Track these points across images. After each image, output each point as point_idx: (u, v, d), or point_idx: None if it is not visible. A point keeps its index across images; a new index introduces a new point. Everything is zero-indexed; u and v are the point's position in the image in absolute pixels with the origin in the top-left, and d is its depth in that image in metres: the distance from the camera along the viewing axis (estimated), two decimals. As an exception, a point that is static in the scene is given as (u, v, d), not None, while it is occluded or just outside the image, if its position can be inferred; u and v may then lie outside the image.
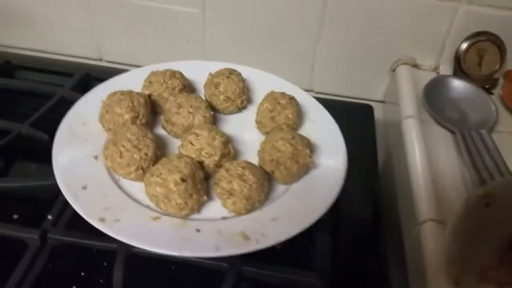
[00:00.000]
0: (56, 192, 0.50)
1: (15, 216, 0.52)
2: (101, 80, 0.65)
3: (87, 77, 0.71)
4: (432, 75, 0.71)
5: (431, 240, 0.49)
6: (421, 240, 0.49)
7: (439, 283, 0.44)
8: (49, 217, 0.51)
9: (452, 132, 0.62)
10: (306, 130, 0.59)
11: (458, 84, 0.68)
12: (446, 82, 0.68)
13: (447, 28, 0.68)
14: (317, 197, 0.51)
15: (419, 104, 0.65)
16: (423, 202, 0.53)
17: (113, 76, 0.64)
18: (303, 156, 0.52)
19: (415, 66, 0.73)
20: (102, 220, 0.46)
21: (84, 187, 0.50)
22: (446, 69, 0.72)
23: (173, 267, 0.49)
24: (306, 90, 0.65)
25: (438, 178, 0.55)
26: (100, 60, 0.80)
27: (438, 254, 0.47)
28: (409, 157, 0.58)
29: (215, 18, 0.72)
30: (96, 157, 0.54)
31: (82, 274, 0.48)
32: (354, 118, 0.70)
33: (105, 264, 0.48)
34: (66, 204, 0.49)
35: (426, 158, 0.57)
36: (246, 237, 0.46)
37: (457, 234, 0.40)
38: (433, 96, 0.66)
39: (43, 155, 0.53)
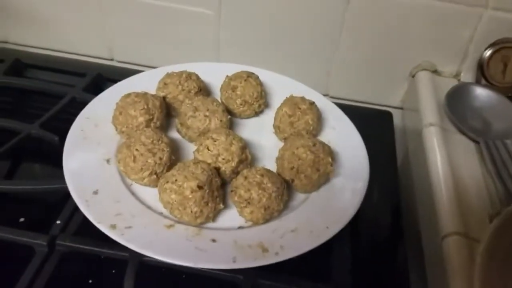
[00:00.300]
0: (65, 196, 0.49)
1: (22, 220, 0.51)
2: (113, 81, 0.64)
3: (99, 78, 0.69)
4: (453, 82, 0.69)
5: (455, 255, 0.47)
6: (444, 254, 0.48)
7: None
8: (58, 222, 0.49)
9: (475, 142, 0.60)
10: (326, 136, 0.57)
11: (481, 92, 0.65)
12: (469, 89, 0.66)
13: (471, 34, 0.66)
14: (338, 208, 0.49)
15: (440, 112, 0.63)
16: (446, 214, 0.51)
17: (125, 77, 0.63)
18: (324, 165, 0.50)
19: (435, 72, 0.71)
20: (113, 227, 0.45)
21: (95, 192, 0.48)
22: (468, 76, 0.70)
23: (184, 276, 0.47)
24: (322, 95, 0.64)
25: (461, 189, 0.54)
26: (112, 60, 0.79)
27: (462, 268, 0.45)
28: (430, 166, 0.56)
29: (230, 19, 0.71)
30: (108, 161, 0.52)
31: (90, 282, 0.46)
32: (372, 124, 0.68)
33: (114, 272, 0.47)
34: (76, 208, 0.48)
35: (449, 168, 0.55)
36: (265, 249, 0.44)
37: (491, 253, 0.38)
38: (455, 104, 0.64)
39: (53, 157, 0.52)
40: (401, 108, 0.76)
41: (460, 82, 0.69)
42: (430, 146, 0.59)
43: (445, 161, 0.56)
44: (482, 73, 0.67)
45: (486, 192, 0.54)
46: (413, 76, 0.72)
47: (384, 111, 0.72)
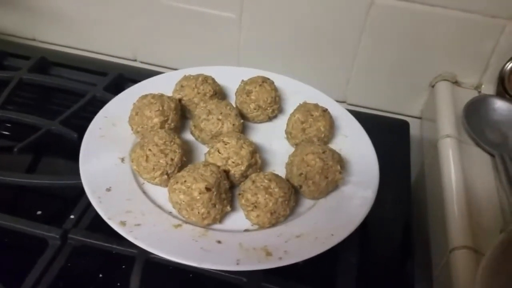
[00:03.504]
0: (80, 192, 0.50)
1: (39, 213, 0.53)
2: (134, 81, 0.65)
3: (121, 78, 0.71)
4: (474, 93, 0.68)
5: (462, 269, 0.46)
6: (451, 268, 0.47)
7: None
8: (72, 216, 0.51)
9: (491, 155, 0.59)
10: (338, 144, 0.57)
11: (501, 105, 0.64)
12: (488, 102, 0.65)
13: (493, 46, 0.65)
14: (344, 216, 0.49)
15: (458, 123, 0.63)
16: (457, 227, 0.50)
17: (146, 78, 0.64)
18: (333, 172, 0.50)
19: (456, 83, 0.70)
20: (122, 223, 0.46)
21: (108, 189, 0.49)
22: (488, 88, 0.68)
23: (190, 275, 0.48)
24: (338, 101, 0.64)
25: (474, 203, 0.53)
26: (135, 60, 0.81)
27: (470, 284, 0.44)
28: (444, 178, 0.56)
29: (251, 23, 0.71)
30: (122, 159, 0.54)
31: (100, 276, 0.48)
32: (388, 134, 0.67)
33: (124, 267, 0.48)
34: (90, 204, 0.49)
35: (462, 180, 0.54)
36: (268, 253, 0.44)
37: (494, 269, 0.37)
38: (474, 116, 0.63)
39: (71, 154, 0.53)
40: (420, 118, 0.75)
41: (480, 94, 0.68)
42: (445, 157, 0.58)
43: (459, 173, 0.55)
44: (503, 86, 0.66)
45: (499, 206, 0.53)
46: (433, 86, 0.71)
47: (401, 120, 0.72)
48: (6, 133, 0.65)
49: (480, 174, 0.57)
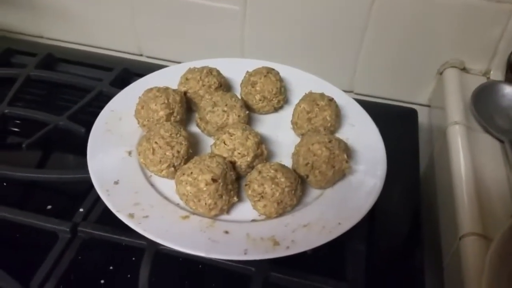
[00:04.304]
0: (89, 186, 0.50)
1: (49, 207, 0.53)
2: (139, 75, 0.65)
3: (126, 72, 0.71)
4: (482, 80, 0.68)
5: (472, 256, 0.46)
6: (461, 255, 0.47)
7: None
8: (81, 210, 0.51)
9: (501, 141, 0.59)
10: (344, 133, 0.57)
11: (510, 91, 0.63)
12: (497, 88, 0.64)
13: (501, 32, 0.64)
14: (352, 205, 0.49)
15: (466, 110, 0.62)
16: (466, 214, 0.50)
17: (151, 72, 0.64)
18: (340, 161, 0.50)
19: (464, 70, 0.69)
20: (131, 216, 0.46)
21: (116, 182, 0.50)
22: (497, 74, 0.68)
23: (199, 266, 0.48)
24: (346, 91, 0.63)
25: (484, 189, 0.52)
26: (141, 55, 0.81)
27: (479, 271, 0.44)
28: (453, 165, 0.55)
29: (255, 15, 0.71)
30: (129, 153, 0.54)
31: (111, 268, 0.48)
32: (396, 122, 0.67)
33: (133, 259, 0.48)
34: (98, 198, 0.49)
35: (472, 167, 0.54)
36: (276, 243, 0.44)
37: (502, 253, 0.37)
38: (482, 103, 0.62)
39: (80, 148, 0.54)
40: (428, 106, 0.75)
41: (489, 80, 0.67)
42: (453, 144, 0.58)
43: (468, 159, 0.55)
44: (512, 71, 0.65)
45: (509, 192, 0.52)
46: (441, 74, 0.70)
47: (409, 108, 0.71)
48: (15, 129, 0.66)
49: (489, 160, 0.56)
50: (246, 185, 0.49)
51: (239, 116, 0.55)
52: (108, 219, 0.48)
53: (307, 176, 0.50)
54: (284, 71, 0.63)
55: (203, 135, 0.58)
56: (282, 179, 0.47)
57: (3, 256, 0.49)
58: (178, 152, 0.50)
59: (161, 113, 0.54)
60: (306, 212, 0.49)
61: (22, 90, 0.68)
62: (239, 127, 0.52)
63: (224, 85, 0.61)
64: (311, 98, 0.57)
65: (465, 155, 0.56)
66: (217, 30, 0.74)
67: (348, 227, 0.46)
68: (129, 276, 0.47)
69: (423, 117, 0.71)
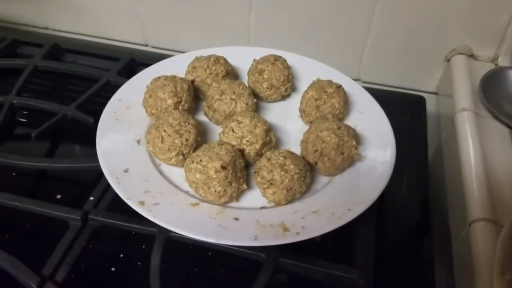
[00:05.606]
0: (99, 174, 0.51)
1: (59, 196, 0.54)
2: (146, 65, 0.65)
3: (133, 62, 0.71)
4: (490, 66, 0.67)
5: (482, 241, 0.46)
6: (471, 241, 0.47)
7: (489, 288, 0.41)
8: (91, 198, 0.51)
9: (509, 127, 0.59)
10: (353, 120, 0.57)
11: (518, 77, 0.63)
12: (506, 74, 0.64)
13: (509, 18, 0.64)
14: (361, 191, 0.49)
15: (475, 97, 0.62)
16: (475, 200, 0.50)
17: (157, 62, 0.64)
18: (349, 148, 0.50)
19: (472, 56, 0.69)
20: (141, 203, 0.46)
21: (126, 170, 0.50)
22: (505, 60, 0.67)
23: (210, 253, 0.48)
24: (353, 79, 0.63)
25: (492, 175, 0.52)
26: (146, 45, 0.81)
27: (489, 256, 0.44)
28: (462, 151, 0.55)
29: (262, 3, 0.71)
30: (138, 141, 0.54)
31: (121, 255, 0.49)
32: (404, 110, 0.67)
33: (144, 247, 0.49)
34: (108, 186, 0.50)
35: (480, 153, 0.54)
36: (286, 229, 0.45)
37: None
38: (491, 89, 0.62)
39: (88, 138, 0.54)
40: (436, 94, 0.74)
41: (497, 67, 0.67)
42: (462, 131, 0.58)
43: (477, 146, 0.55)
44: (520, 57, 0.65)
45: (519, 179, 0.52)
46: (448, 61, 0.70)
47: (417, 95, 0.71)
48: (23, 120, 0.66)
49: (498, 146, 0.56)
50: (255, 172, 0.49)
51: (247, 104, 0.55)
52: (118, 207, 0.48)
53: (316, 163, 0.50)
54: (292, 58, 0.62)
55: (211, 124, 0.58)
56: (291, 166, 0.47)
57: (15, 244, 0.50)
58: (187, 140, 0.51)
59: (169, 101, 0.54)
60: (315, 199, 0.49)
61: (30, 80, 0.68)
62: (247, 115, 0.52)
63: (232, 73, 0.61)
64: (319, 85, 0.56)
65: (473, 141, 0.56)
66: (223, 18, 0.74)
67: (358, 213, 0.46)
68: (139, 263, 0.47)
69: (431, 104, 0.71)
